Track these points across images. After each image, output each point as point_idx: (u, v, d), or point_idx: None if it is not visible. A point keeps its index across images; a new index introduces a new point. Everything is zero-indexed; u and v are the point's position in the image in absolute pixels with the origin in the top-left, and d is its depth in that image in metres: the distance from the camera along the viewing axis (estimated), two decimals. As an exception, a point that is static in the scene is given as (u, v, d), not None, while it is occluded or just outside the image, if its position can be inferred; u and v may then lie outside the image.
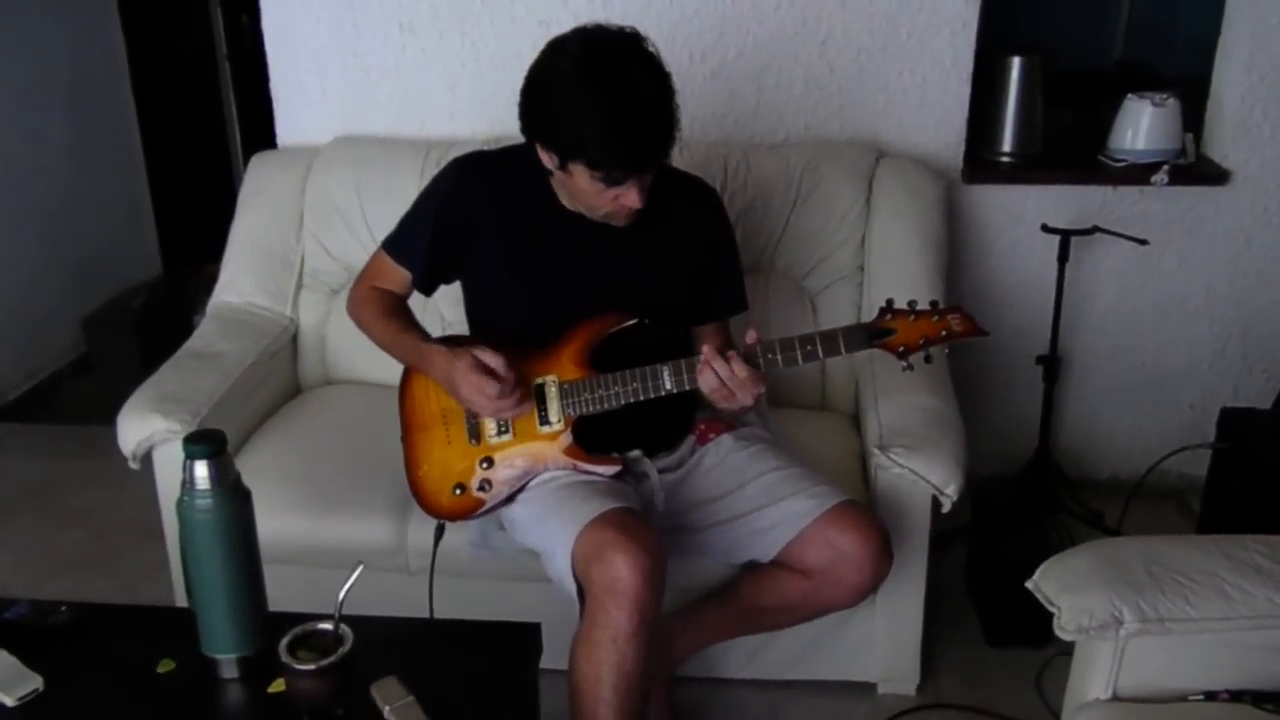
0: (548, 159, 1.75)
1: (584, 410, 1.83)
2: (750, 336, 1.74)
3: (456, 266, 1.96)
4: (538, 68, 1.73)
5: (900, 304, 1.75)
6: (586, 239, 1.86)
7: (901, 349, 1.73)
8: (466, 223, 1.89)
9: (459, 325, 2.16)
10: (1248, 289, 2.75)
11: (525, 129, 1.77)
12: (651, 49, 1.70)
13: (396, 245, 1.97)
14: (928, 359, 1.75)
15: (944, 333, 1.73)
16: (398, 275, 1.98)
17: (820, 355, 1.73)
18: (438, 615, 1.86)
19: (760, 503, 1.88)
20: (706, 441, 1.99)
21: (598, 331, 1.85)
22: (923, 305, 1.74)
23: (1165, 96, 2.64)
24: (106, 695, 1.47)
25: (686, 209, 1.94)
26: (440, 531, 1.93)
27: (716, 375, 1.72)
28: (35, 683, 1.44)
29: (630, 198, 1.73)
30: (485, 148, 2.01)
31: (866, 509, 1.92)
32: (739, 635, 2.05)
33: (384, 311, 1.98)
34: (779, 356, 1.73)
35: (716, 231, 2.00)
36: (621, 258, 1.88)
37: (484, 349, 1.80)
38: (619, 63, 1.67)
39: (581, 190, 1.75)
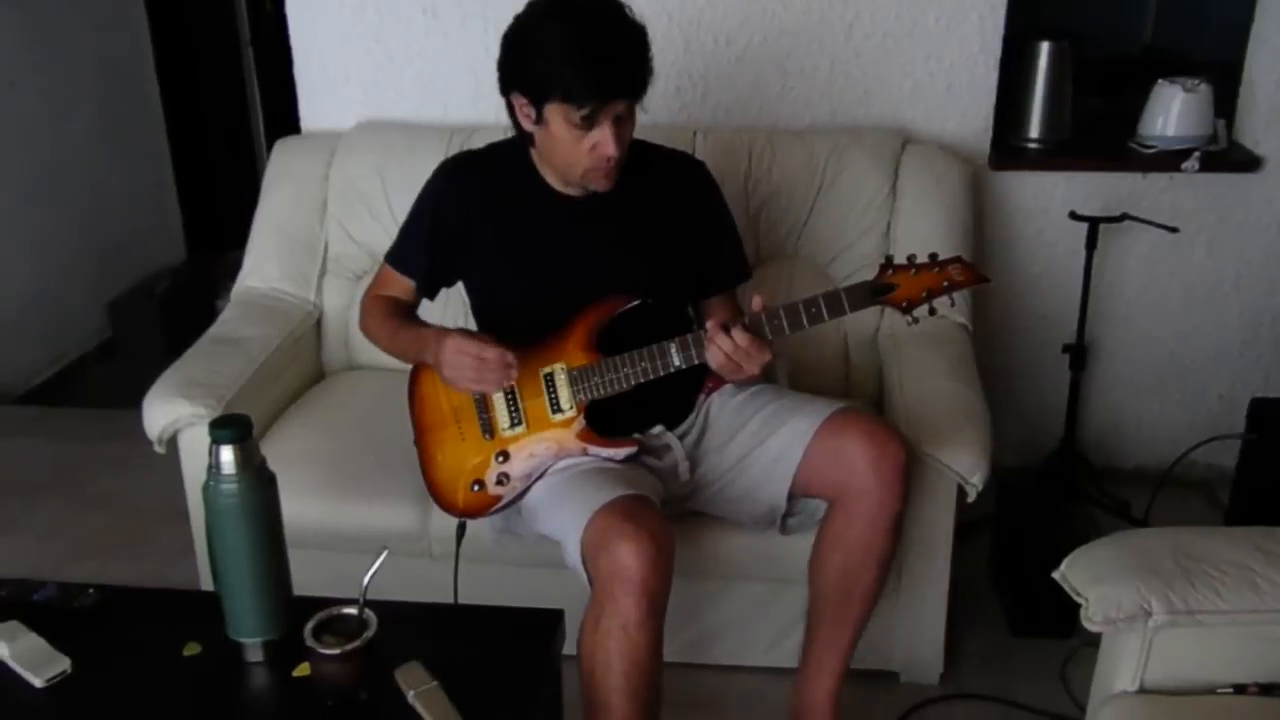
0: (525, 116, 1.77)
1: (595, 394, 1.83)
2: (755, 304, 1.74)
3: (455, 268, 1.98)
4: (513, 22, 1.76)
5: (900, 259, 1.75)
6: (579, 223, 1.87)
7: (905, 303, 1.73)
8: (460, 223, 1.91)
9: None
10: (1279, 277, 2.72)
11: (503, 84, 1.79)
12: (625, 2, 1.73)
13: (397, 256, 2.01)
14: (932, 311, 1.75)
15: (946, 283, 1.73)
16: (403, 285, 2.01)
17: (825, 316, 1.73)
18: (461, 600, 1.86)
19: (763, 435, 1.88)
20: (711, 394, 1.99)
21: (602, 315, 1.85)
22: (922, 259, 1.74)
23: (1196, 82, 2.60)
24: (133, 677, 1.48)
25: (672, 184, 1.95)
26: (462, 530, 1.92)
27: (721, 350, 1.71)
28: (63, 664, 1.46)
29: (606, 144, 1.73)
30: (471, 147, 2.03)
31: (866, 413, 1.91)
32: (853, 633, 1.91)
33: (385, 315, 2.00)
34: (784, 322, 1.73)
35: (707, 203, 1.99)
36: (616, 239, 1.89)
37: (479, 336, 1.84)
38: (590, 3, 1.71)
39: (560, 142, 1.75)
